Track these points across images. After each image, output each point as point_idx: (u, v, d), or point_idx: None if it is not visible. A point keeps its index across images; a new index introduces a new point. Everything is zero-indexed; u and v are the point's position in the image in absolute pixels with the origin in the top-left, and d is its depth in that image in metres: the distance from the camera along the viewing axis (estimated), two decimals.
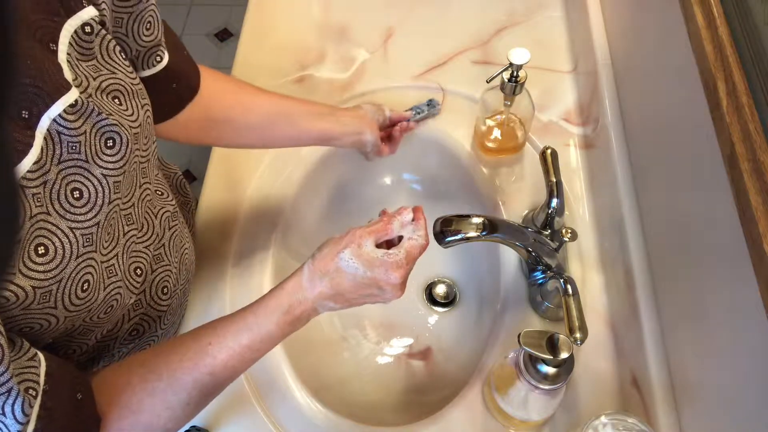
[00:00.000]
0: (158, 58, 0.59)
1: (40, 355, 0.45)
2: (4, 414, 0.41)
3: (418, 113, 0.92)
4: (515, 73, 0.76)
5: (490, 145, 0.88)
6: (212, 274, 0.82)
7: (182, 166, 1.91)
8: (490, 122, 0.87)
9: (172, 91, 0.63)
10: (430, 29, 1.03)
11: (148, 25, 0.55)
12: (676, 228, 0.66)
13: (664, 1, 0.69)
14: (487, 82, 0.79)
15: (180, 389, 0.52)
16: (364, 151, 0.86)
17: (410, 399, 0.84)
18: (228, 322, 0.56)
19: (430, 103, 0.93)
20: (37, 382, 0.43)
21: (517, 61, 0.74)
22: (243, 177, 0.89)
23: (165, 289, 0.65)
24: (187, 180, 2.01)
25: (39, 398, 0.43)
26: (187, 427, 0.69)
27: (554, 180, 0.73)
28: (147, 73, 0.59)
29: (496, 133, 0.87)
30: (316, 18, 1.05)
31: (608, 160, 0.80)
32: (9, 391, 0.40)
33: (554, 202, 0.74)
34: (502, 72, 0.77)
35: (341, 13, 1.05)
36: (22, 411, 0.41)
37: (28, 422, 0.42)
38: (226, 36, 2.21)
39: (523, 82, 0.77)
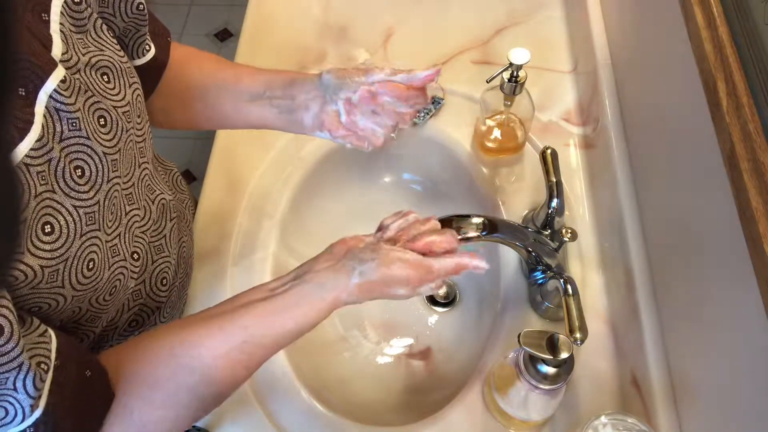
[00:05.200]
0: (148, 47, 0.60)
1: (51, 332, 0.44)
2: (15, 389, 0.40)
3: (427, 113, 0.92)
4: (515, 73, 0.76)
5: (490, 145, 0.88)
6: (212, 274, 0.82)
7: (182, 166, 1.91)
8: (490, 122, 0.87)
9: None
10: (430, 29, 1.03)
11: (141, 6, 0.56)
12: (676, 228, 0.66)
13: (664, 1, 0.69)
14: (487, 82, 0.79)
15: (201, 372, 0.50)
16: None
17: (410, 399, 0.84)
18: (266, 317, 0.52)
19: (434, 101, 0.93)
20: (49, 357, 0.43)
21: (517, 61, 0.74)
22: (243, 177, 0.89)
23: (164, 281, 0.65)
24: (187, 180, 2.01)
25: (51, 373, 0.43)
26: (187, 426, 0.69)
27: (554, 180, 0.73)
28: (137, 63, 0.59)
29: (496, 133, 0.87)
30: (316, 18, 1.05)
31: (608, 160, 0.80)
32: (20, 365, 0.40)
33: (554, 202, 0.74)
34: (502, 72, 0.77)
35: (341, 13, 1.05)
36: (34, 386, 0.41)
37: (40, 396, 0.42)
38: (226, 36, 2.21)
39: (523, 82, 0.77)
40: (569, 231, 0.73)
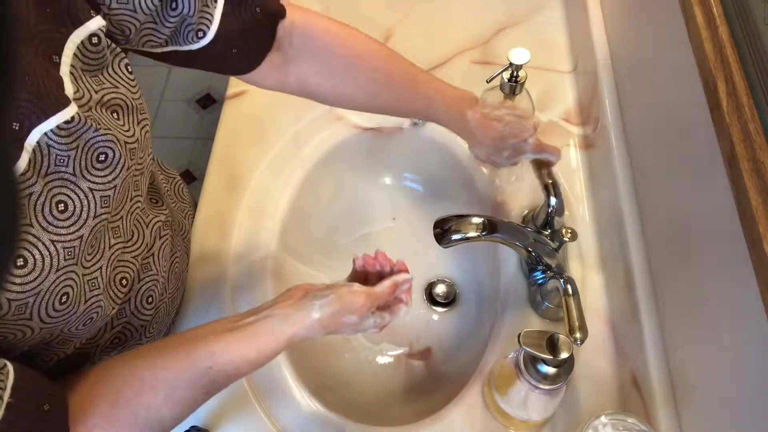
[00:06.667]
0: (200, 33, 0.56)
1: (9, 367, 0.44)
2: None
3: None
4: (515, 73, 0.76)
5: None
6: (212, 274, 0.82)
7: (182, 166, 1.91)
8: None
9: (233, 55, 0.60)
10: (430, 29, 1.03)
11: (174, 4, 0.53)
12: (676, 228, 0.66)
13: (664, 1, 0.69)
14: (487, 82, 0.79)
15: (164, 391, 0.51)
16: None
17: (410, 399, 0.84)
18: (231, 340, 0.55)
19: None
20: (1, 397, 0.42)
21: (517, 61, 0.74)
22: (243, 177, 0.89)
23: (150, 299, 0.64)
24: (187, 180, 1.99)
25: (1, 411, 0.42)
26: (186, 426, 0.69)
27: (549, 182, 0.73)
28: (188, 48, 0.57)
29: None
30: None
31: (608, 160, 0.80)
32: None
33: (553, 201, 0.73)
34: (502, 72, 0.77)
35: (341, 13, 1.05)
36: None
37: None
38: None
39: (523, 82, 0.77)
40: (569, 231, 0.73)
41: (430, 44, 1.00)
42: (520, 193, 0.87)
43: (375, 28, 1.03)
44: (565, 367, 0.60)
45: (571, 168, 0.88)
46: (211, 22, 0.56)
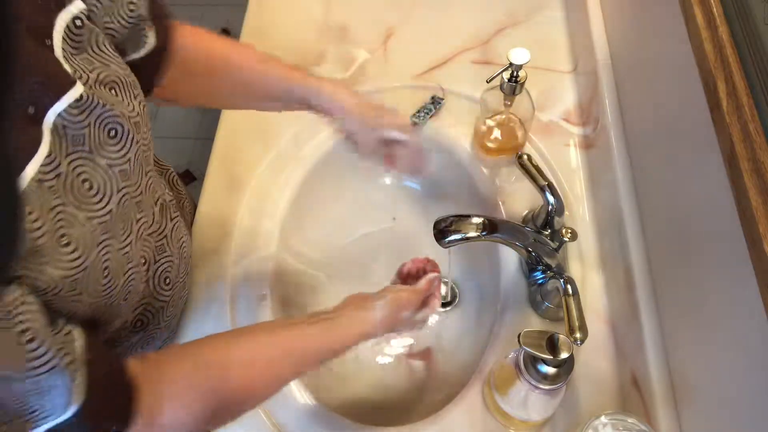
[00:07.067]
0: (145, 39, 0.58)
1: (75, 332, 0.46)
2: (51, 388, 0.42)
3: (427, 113, 0.92)
4: (515, 73, 0.76)
5: (490, 145, 0.88)
6: (212, 273, 0.82)
7: (182, 166, 1.91)
8: (490, 122, 0.87)
9: (156, 68, 0.62)
10: (430, 29, 1.03)
11: (132, 6, 0.55)
12: (676, 228, 0.66)
13: (664, 1, 0.69)
14: (487, 82, 0.79)
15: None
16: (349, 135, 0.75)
17: (410, 399, 0.84)
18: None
19: (434, 100, 0.93)
20: (75, 356, 0.44)
21: (517, 61, 0.74)
22: (243, 177, 0.89)
23: (167, 280, 0.66)
24: (187, 180, 1.99)
25: (82, 369, 0.44)
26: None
27: (545, 183, 0.73)
28: (134, 56, 0.58)
29: (496, 133, 0.87)
30: (316, 18, 1.05)
31: (608, 160, 0.80)
32: (54, 367, 0.42)
33: (552, 200, 0.73)
34: (502, 72, 0.77)
35: (341, 13, 1.05)
36: (67, 386, 0.42)
37: (72, 395, 0.43)
38: (226, 36, 2.20)
39: (523, 82, 0.77)
40: (569, 231, 0.73)
41: (430, 44, 1.00)
42: (520, 193, 0.87)
43: (375, 28, 1.03)
44: (565, 367, 0.60)
45: (571, 168, 0.88)
46: (150, 28, 0.58)
